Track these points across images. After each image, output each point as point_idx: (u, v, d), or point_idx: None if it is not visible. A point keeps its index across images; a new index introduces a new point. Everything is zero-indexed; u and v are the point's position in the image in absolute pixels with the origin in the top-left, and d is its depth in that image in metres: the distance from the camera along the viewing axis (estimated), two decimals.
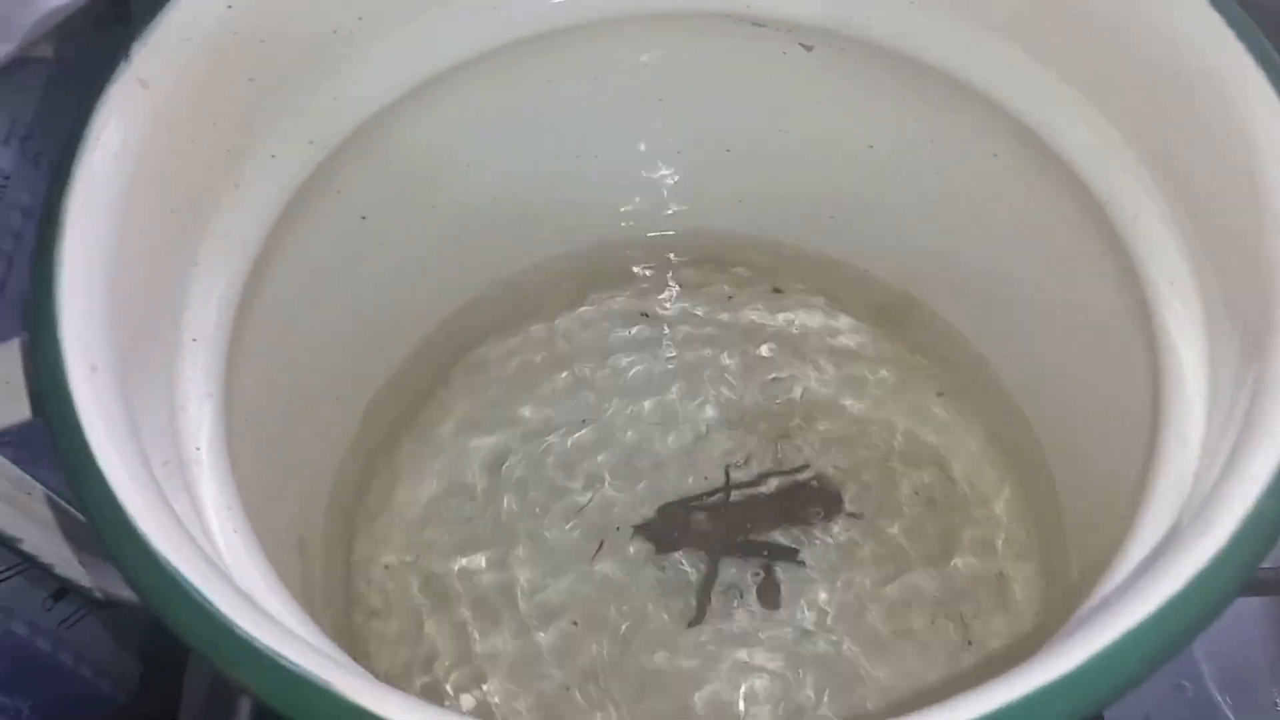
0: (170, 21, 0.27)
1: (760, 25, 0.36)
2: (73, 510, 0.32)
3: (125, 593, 0.33)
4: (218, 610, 0.21)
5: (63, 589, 0.36)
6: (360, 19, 0.32)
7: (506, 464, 0.41)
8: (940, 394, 0.41)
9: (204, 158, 0.29)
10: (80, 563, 0.33)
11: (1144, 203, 0.31)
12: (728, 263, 0.44)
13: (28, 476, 0.31)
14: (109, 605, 0.33)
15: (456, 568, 0.39)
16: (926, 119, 0.37)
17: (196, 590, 0.21)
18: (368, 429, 0.41)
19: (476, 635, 0.37)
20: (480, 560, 0.39)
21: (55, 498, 0.32)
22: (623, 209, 0.44)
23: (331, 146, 0.33)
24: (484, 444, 0.41)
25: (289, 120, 0.32)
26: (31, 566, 0.31)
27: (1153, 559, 0.23)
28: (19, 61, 0.42)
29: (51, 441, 0.23)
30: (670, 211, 0.44)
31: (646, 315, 0.43)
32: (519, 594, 0.38)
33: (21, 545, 0.31)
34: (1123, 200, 0.31)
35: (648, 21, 0.36)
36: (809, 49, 0.37)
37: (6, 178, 0.45)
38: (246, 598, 0.22)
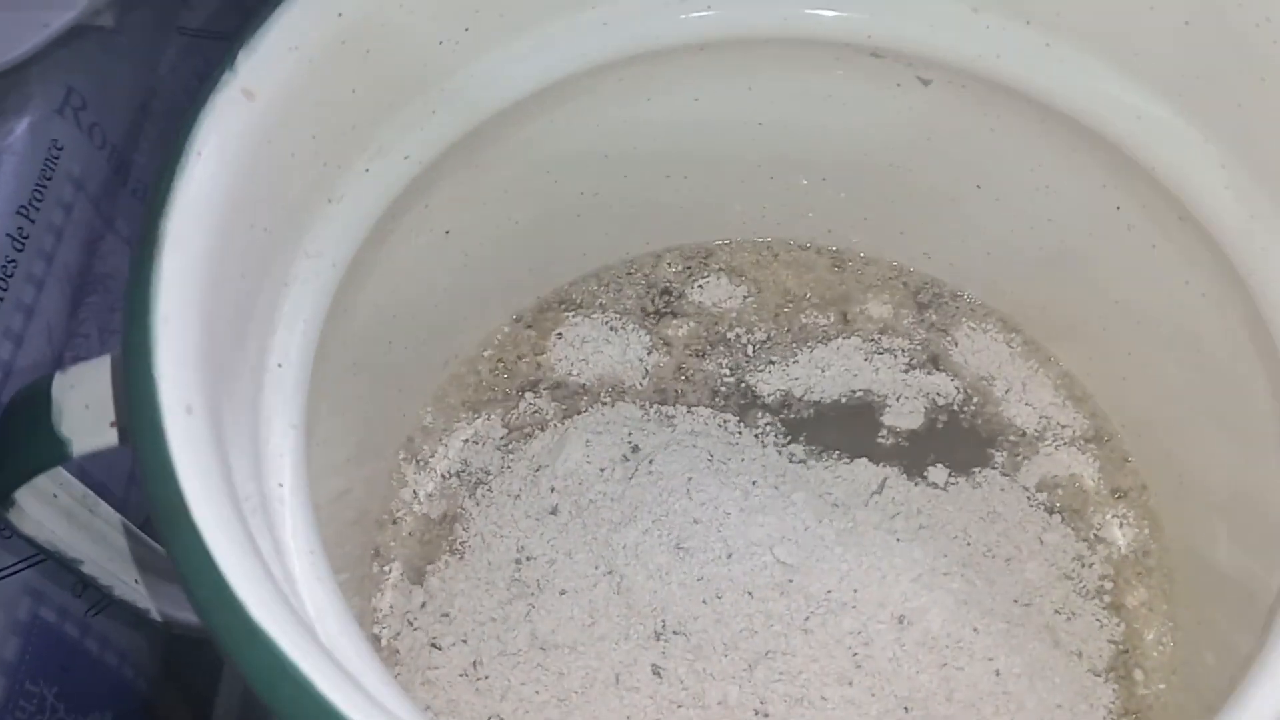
0: (279, 28, 0.26)
1: (879, 57, 0.34)
2: (136, 529, 0.31)
3: (185, 616, 0.32)
4: (319, 691, 0.19)
5: None
6: (467, 30, 0.31)
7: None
8: None
9: (301, 173, 0.28)
10: (139, 584, 0.31)
11: None
12: None
13: (92, 493, 0.30)
14: (167, 627, 0.32)
15: None
16: (1045, 164, 0.35)
17: (295, 666, 0.19)
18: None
19: None
20: None
21: (118, 515, 0.30)
22: (705, 232, 0.42)
23: (427, 161, 0.31)
24: None
25: (387, 133, 0.30)
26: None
27: None
28: (77, 30, 0.41)
29: (143, 486, 0.21)
30: (757, 240, 0.42)
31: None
32: None
33: (82, 568, 0.29)
34: (1268, 274, 0.29)
35: (759, 46, 0.35)
36: (927, 83, 0.35)
37: (60, 148, 0.43)
38: (342, 671, 0.21)
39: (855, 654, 0.32)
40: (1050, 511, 0.37)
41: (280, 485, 0.26)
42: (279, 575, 0.23)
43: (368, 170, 0.30)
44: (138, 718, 0.44)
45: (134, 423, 0.21)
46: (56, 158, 0.43)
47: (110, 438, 0.24)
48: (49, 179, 0.43)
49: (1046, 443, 0.38)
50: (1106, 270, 0.36)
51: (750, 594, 0.33)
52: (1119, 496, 0.37)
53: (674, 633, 0.33)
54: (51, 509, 0.27)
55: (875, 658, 0.32)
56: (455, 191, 0.34)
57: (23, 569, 0.40)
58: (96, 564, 0.29)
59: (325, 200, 0.29)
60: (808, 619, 0.33)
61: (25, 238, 0.41)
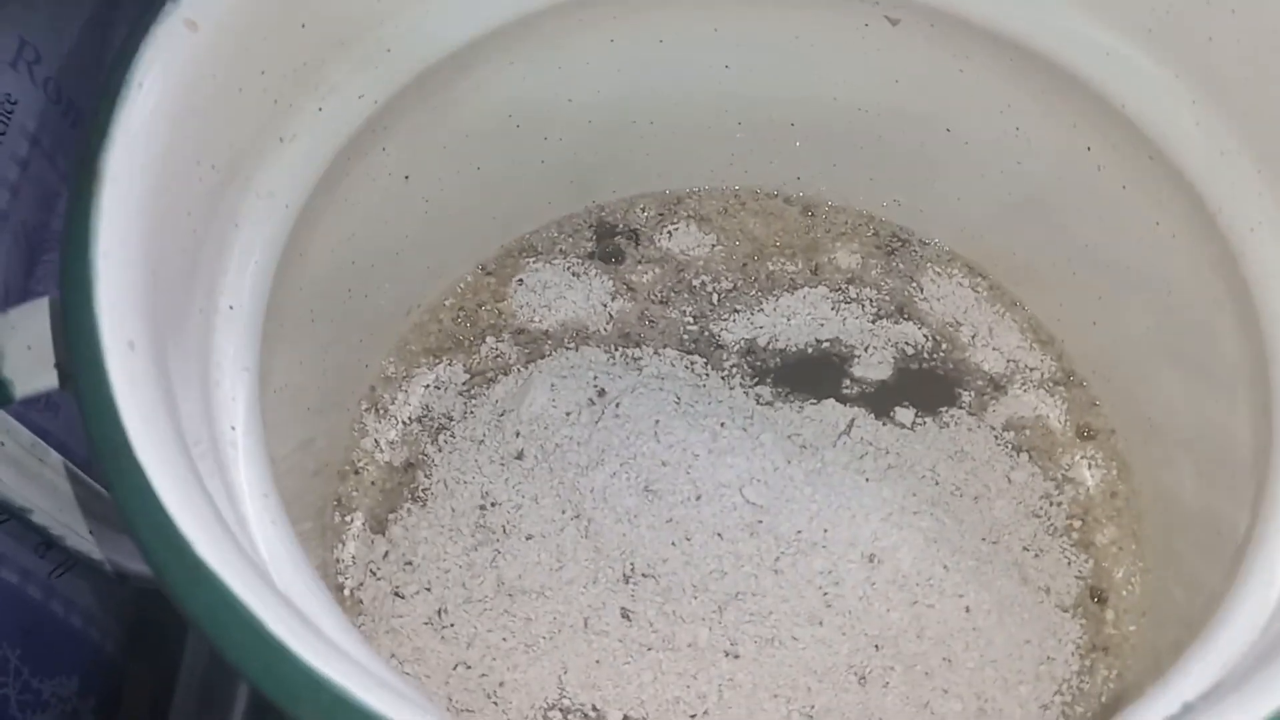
0: None
1: None
2: (88, 479, 0.30)
3: (140, 568, 0.31)
4: (270, 631, 0.19)
5: None
6: None
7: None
8: None
9: (250, 109, 0.27)
10: (92, 534, 0.31)
11: (1261, 215, 0.28)
12: None
13: (41, 441, 0.29)
14: (121, 579, 0.31)
15: None
16: (1015, 105, 0.35)
17: (245, 607, 0.19)
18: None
19: None
20: None
21: (69, 465, 0.30)
22: (673, 180, 0.41)
23: (382, 101, 0.31)
24: None
25: (340, 71, 0.29)
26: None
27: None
28: None
29: (84, 425, 0.20)
30: (725, 188, 0.41)
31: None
32: None
33: (32, 517, 0.28)
34: (1236, 210, 0.29)
35: None
36: (895, 23, 0.34)
37: (14, 102, 0.42)
38: (298, 613, 0.20)
39: (825, 593, 0.32)
40: (1018, 451, 0.36)
41: (232, 428, 0.25)
42: (231, 519, 0.23)
43: (320, 109, 0.29)
44: (104, 679, 0.44)
45: (74, 358, 0.20)
46: (10, 112, 0.42)
47: (53, 379, 0.23)
48: (2, 134, 0.42)
49: (1015, 385, 0.38)
50: (1076, 213, 0.35)
51: (720, 535, 0.33)
52: (1087, 438, 0.37)
53: (643, 575, 0.33)
54: None
55: (845, 597, 0.32)
56: (414, 135, 0.33)
57: None
58: (46, 514, 0.29)
59: (277, 139, 0.28)
60: (778, 559, 0.32)
61: None
